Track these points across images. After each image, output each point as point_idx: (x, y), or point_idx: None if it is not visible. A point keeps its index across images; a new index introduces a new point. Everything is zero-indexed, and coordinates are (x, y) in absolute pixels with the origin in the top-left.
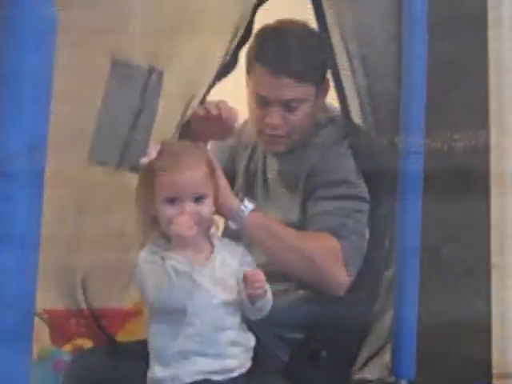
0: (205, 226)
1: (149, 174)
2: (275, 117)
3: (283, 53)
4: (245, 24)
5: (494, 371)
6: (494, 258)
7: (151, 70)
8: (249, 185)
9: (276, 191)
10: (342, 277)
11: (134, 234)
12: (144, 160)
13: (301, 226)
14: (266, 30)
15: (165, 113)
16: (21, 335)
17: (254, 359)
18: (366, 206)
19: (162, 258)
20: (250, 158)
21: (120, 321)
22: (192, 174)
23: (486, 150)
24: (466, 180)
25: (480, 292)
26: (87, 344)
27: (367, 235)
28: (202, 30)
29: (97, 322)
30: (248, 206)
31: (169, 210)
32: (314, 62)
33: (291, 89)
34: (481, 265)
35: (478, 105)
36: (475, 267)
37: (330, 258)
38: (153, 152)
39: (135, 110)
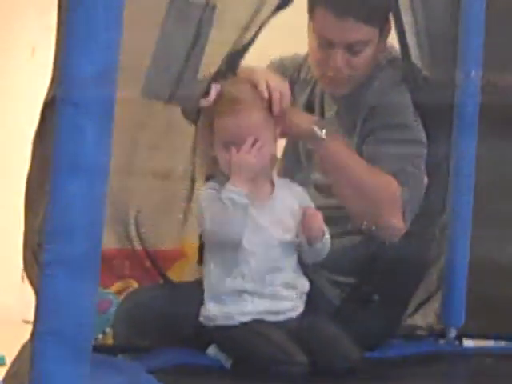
0: (265, 166)
1: (208, 116)
2: (339, 59)
3: None
4: None
5: None
6: None
7: (206, 5)
8: None
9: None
10: (398, 222)
11: (182, 172)
12: (204, 102)
13: None
14: None
15: (215, 44)
16: (89, 264)
17: (307, 302)
18: (424, 151)
19: (221, 192)
20: (309, 96)
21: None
22: (249, 118)
23: None
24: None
25: None
26: (133, 285)
27: (425, 181)
28: None
29: (153, 261)
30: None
31: (227, 154)
32: (378, 3)
33: (356, 31)
34: None
35: None
36: None
37: (391, 200)
38: (213, 93)
39: (189, 44)
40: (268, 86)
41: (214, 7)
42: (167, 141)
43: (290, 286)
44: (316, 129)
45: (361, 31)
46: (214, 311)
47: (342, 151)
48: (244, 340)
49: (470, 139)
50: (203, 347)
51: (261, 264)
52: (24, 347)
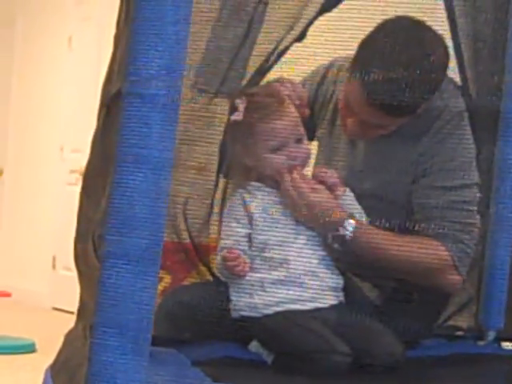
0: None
1: (243, 128)
2: (353, 127)
3: (382, 86)
4: None
5: None
6: None
7: (260, 2)
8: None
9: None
10: (452, 280)
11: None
12: (234, 117)
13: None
14: (378, 45)
15: (264, 40)
16: (150, 257)
17: (346, 299)
18: (477, 193)
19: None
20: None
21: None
22: (289, 114)
23: None
24: None
25: None
26: (166, 279)
27: (479, 224)
28: None
29: (200, 256)
30: (351, 222)
31: (275, 159)
32: (416, 100)
33: (379, 119)
34: None
35: None
36: None
37: (438, 268)
38: (241, 107)
39: (240, 39)
40: None
41: (266, 3)
42: (210, 134)
43: (313, 275)
44: (346, 225)
45: (385, 121)
46: (238, 302)
47: (373, 241)
48: (279, 330)
49: None
50: (246, 342)
51: (284, 253)
52: (70, 336)
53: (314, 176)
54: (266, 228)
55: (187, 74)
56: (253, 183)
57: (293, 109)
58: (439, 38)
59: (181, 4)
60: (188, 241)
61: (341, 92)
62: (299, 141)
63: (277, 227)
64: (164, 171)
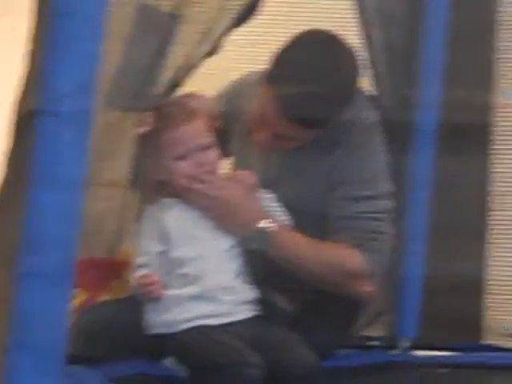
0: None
1: (150, 140)
2: (264, 140)
3: (294, 97)
4: None
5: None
6: (492, 216)
7: (173, 15)
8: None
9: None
10: (365, 289)
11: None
12: (141, 130)
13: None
14: (291, 57)
15: (175, 55)
16: (63, 276)
17: (261, 311)
18: (391, 203)
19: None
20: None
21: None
22: (196, 124)
23: (490, 107)
24: (469, 136)
25: (476, 249)
26: (81, 295)
27: (392, 233)
28: None
29: (114, 272)
30: (267, 225)
31: (181, 167)
32: (328, 112)
33: (290, 131)
34: (479, 223)
35: (485, 63)
36: (473, 225)
37: (352, 276)
38: (148, 121)
39: (154, 54)
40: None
41: (179, 17)
42: (122, 150)
43: (228, 289)
44: (263, 224)
45: (297, 133)
46: (153, 319)
47: (292, 243)
48: (193, 345)
49: (427, 155)
50: (160, 357)
51: (200, 269)
52: None
53: (231, 178)
54: (181, 245)
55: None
56: (166, 199)
57: (200, 119)
58: (350, 52)
59: (93, 21)
60: (102, 257)
61: (253, 106)
62: (207, 149)
63: (192, 243)
64: (77, 189)
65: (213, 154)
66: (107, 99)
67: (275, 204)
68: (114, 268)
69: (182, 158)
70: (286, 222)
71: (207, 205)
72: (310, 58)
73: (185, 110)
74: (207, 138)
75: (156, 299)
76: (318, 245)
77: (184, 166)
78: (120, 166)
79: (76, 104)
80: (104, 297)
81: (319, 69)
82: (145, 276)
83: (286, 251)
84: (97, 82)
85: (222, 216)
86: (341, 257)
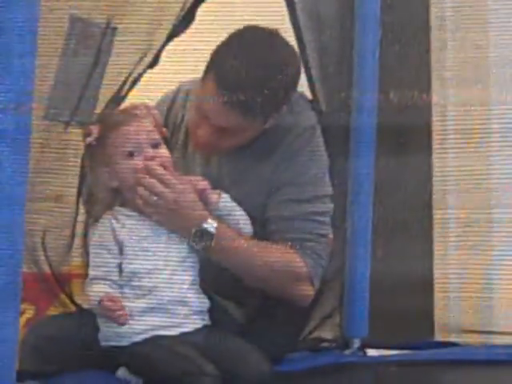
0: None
1: (98, 148)
2: (206, 135)
3: (236, 85)
4: None
5: (437, 326)
6: (436, 214)
7: (107, 27)
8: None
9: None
10: (306, 291)
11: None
12: (89, 139)
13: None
14: (232, 48)
15: (114, 68)
16: (10, 295)
17: (212, 321)
18: (330, 205)
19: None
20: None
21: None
22: (143, 123)
23: (428, 107)
24: (408, 136)
25: (423, 248)
26: (30, 310)
27: (331, 235)
28: None
29: (61, 286)
30: (212, 223)
31: (132, 163)
32: (270, 100)
33: (233, 121)
34: (424, 221)
35: (421, 63)
36: (418, 224)
37: (294, 277)
38: (94, 130)
39: (89, 66)
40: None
41: (114, 30)
42: (65, 163)
43: (181, 302)
44: (207, 225)
45: (239, 122)
46: (106, 332)
47: (234, 243)
48: (148, 356)
49: (368, 157)
50: (112, 369)
51: (153, 281)
52: None
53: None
54: (135, 257)
55: (38, 104)
56: (120, 209)
57: (146, 119)
58: (289, 45)
59: (26, 37)
60: (48, 271)
61: (193, 104)
62: (156, 146)
63: (146, 256)
64: (17, 206)
65: (163, 151)
66: (46, 114)
67: (231, 202)
68: (61, 281)
69: (131, 154)
70: (246, 221)
71: (155, 203)
72: (251, 47)
73: (129, 113)
74: (156, 136)
75: (121, 324)
76: (260, 245)
77: (134, 162)
78: (64, 180)
79: (11, 120)
80: (52, 310)
81: (260, 57)
82: (111, 299)
83: (230, 250)
84: (32, 98)
85: (167, 214)
86: (283, 258)
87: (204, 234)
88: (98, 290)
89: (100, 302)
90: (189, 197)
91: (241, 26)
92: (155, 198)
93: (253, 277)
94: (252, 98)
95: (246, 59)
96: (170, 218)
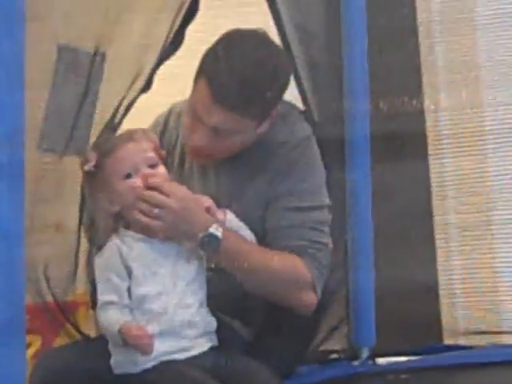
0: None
1: (97, 174)
2: (201, 138)
3: (227, 81)
4: (189, 0)
5: (445, 331)
6: (436, 219)
7: (95, 53)
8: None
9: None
10: (310, 298)
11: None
12: (87, 167)
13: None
14: (222, 48)
15: (107, 94)
16: (14, 330)
17: (219, 340)
18: (329, 216)
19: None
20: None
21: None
22: (139, 144)
23: (420, 112)
24: (403, 143)
25: (426, 254)
26: (37, 341)
27: (331, 245)
28: (146, 8)
29: (66, 316)
30: (218, 228)
31: (130, 183)
32: (260, 96)
33: (225, 119)
34: (425, 227)
35: (411, 69)
36: (419, 231)
37: (298, 284)
38: (92, 158)
39: (80, 94)
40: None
41: (103, 56)
42: (63, 193)
43: (190, 324)
44: (213, 230)
45: (231, 121)
46: (119, 359)
47: (239, 248)
48: (160, 382)
49: (364, 166)
50: None
51: (162, 306)
52: None
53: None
54: (143, 282)
55: (32, 135)
56: (126, 232)
57: (143, 141)
58: (279, 47)
59: (13, 71)
60: (51, 300)
61: (187, 108)
62: (153, 166)
63: (154, 280)
64: (16, 240)
65: (161, 170)
66: (39, 145)
67: (237, 220)
68: (66, 310)
69: (129, 175)
70: (252, 239)
71: (158, 214)
72: (240, 46)
73: (125, 135)
74: (153, 156)
75: (146, 353)
76: (265, 251)
77: (133, 182)
78: (63, 209)
79: (4, 155)
80: (59, 341)
81: (253, 57)
82: (140, 328)
83: (236, 256)
84: (23, 132)
85: (172, 223)
86: (287, 263)
87: (211, 238)
88: (111, 315)
89: (123, 328)
90: (192, 203)
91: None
92: (156, 210)
93: (257, 283)
94: (241, 96)
95: (234, 57)
96: (175, 227)
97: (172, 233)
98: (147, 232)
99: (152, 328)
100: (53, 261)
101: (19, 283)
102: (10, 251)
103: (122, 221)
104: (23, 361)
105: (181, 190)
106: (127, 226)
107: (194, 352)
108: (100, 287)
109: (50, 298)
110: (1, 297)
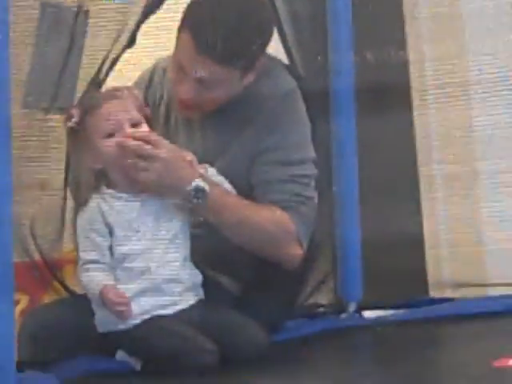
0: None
1: (80, 131)
2: (187, 90)
3: (211, 32)
4: None
5: (430, 283)
6: (421, 170)
7: (79, 10)
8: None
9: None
10: (295, 251)
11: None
12: (70, 123)
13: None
14: (206, 0)
15: (91, 50)
16: (2, 287)
17: (206, 295)
18: (315, 170)
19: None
20: (167, 105)
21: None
22: (123, 103)
23: (405, 64)
24: (388, 95)
25: (411, 205)
26: (24, 300)
27: (316, 199)
28: None
29: (53, 272)
30: (205, 182)
31: (112, 141)
32: (244, 47)
33: (210, 69)
34: (410, 179)
35: (394, 20)
36: (404, 183)
37: (283, 237)
38: (75, 114)
39: (65, 51)
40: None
41: (86, 12)
42: (48, 150)
43: (174, 280)
44: (200, 182)
45: (216, 71)
46: (102, 317)
47: (225, 201)
48: (147, 338)
49: (349, 119)
50: (112, 352)
51: (145, 263)
52: None
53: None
54: (125, 239)
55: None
56: (108, 191)
57: (126, 99)
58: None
59: None
60: (39, 258)
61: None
62: (136, 125)
63: (136, 237)
64: (5, 196)
65: (144, 129)
66: (24, 102)
67: (218, 176)
68: (53, 268)
69: (111, 134)
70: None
71: (145, 165)
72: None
73: (109, 94)
74: (136, 115)
75: (122, 319)
76: (251, 204)
77: (116, 141)
78: (48, 167)
79: None
80: (46, 298)
81: (237, 8)
82: (118, 294)
83: (222, 209)
84: (9, 87)
85: (158, 176)
86: (272, 216)
87: (198, 191)
88: (92, 275)
89: (102, 292)
90: (176, 154)
91: None
92: (144, 163)
93: (242, 236)
94: (226, 47)
95: (218, 9)
96: (163, 180)
97: (159, 187)
98: (130, 189)
99: (135, 285)
100: (39, 219)
101: (8, 240)
102: (1, 206)
103: (103, 179)
104: (12, 318)
105: (167, 143)
106: (109, 185)
107: (181, 306)
108: (81, 246)
109: (37, 256)
110: None
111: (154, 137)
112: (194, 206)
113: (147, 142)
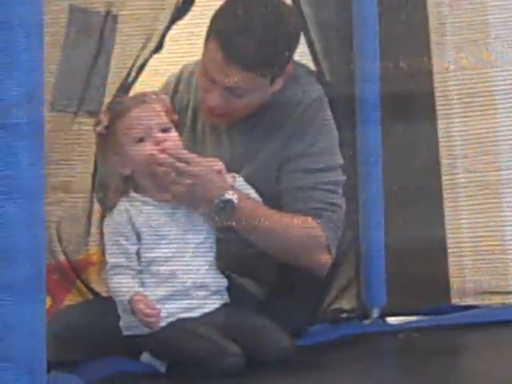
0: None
1: (109, 136)
2: (215, 98)
3: (239, 40)
4: None
5: (453, 291)
6: (445, 179)
7: (107, 15)
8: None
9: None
10: (324, 259)
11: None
12: (99, 128)
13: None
14: (233, 8)
15: (120, 56)
16: (34, 287)
17: (231, 300)
18: (342, 176)
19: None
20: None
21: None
22: (152, 108)
23: (429, 72)
24: (413, 103)
25: (435, 213)
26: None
27: (344, 206)
28: None
29: (78, 273)
30: (233, 193)
31: (143, 148)
32: (272, 54)
33: (239, 78)
34: (433, 187)
35: (419, 31)
36: (428, 190)
37: (313, 245)
38: (104, 119)
39: (93, 55)
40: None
41: (115, 17)
42: (73, 153)
43: (200, 286)
44: (228, 195)
45: (245, 80)
46: (128, 321)
47: (255, 213)
48: (172, 341)
49: (374, 127)
50: (137, 354)
51: (172, 268)
52: None
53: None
54: (153, 244)
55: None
56: (136, 195)
57: (155, 104)
58: (289, 6)
59: (32, 30)
60: (63, 260)
61: (200, 69)
62: (166, 130)
63: (164, 242)
64: (37, 198)
65: (174, 134)
66: (52, 106)
67: (246, 185)
68: (77, 269)
69: (141, 140)
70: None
71: (174, 180)
72: (253, 6)
73: (138, 99)
74: (165, 120)
75: (150, 329)
76: (279, 214)
77: (145, 147)
78: (73, 170)
79: (24, 114)
80: (69, 300)
81: (264, 15)
82: (149, 305)
83: (251, 220)
84: (43, 91)
85: (188, 189)
86: (301, 225)
87: (226, 203)
88: (120, 280)
89: (133, 300)
90: (207, 170)
91: None
92: (173, 174)
93: (273, 246)
94: (254, 55)
95: (244, 15)
96: (192, 193)
97: (188, 199)
98: (159, 196)
99: (162, 290)
100: (65, 221)
101: (41, 240)
102: (32, 207)
103: (132, 184)
104: (43, 318)
105: (198, 159)
106: (137, 190)
107: (206, 310)
108: (109, 250)
109: (62, 258)
110: (24, 254)
111: (187, 154)
112: (222, 219)
113: (180, 159)
